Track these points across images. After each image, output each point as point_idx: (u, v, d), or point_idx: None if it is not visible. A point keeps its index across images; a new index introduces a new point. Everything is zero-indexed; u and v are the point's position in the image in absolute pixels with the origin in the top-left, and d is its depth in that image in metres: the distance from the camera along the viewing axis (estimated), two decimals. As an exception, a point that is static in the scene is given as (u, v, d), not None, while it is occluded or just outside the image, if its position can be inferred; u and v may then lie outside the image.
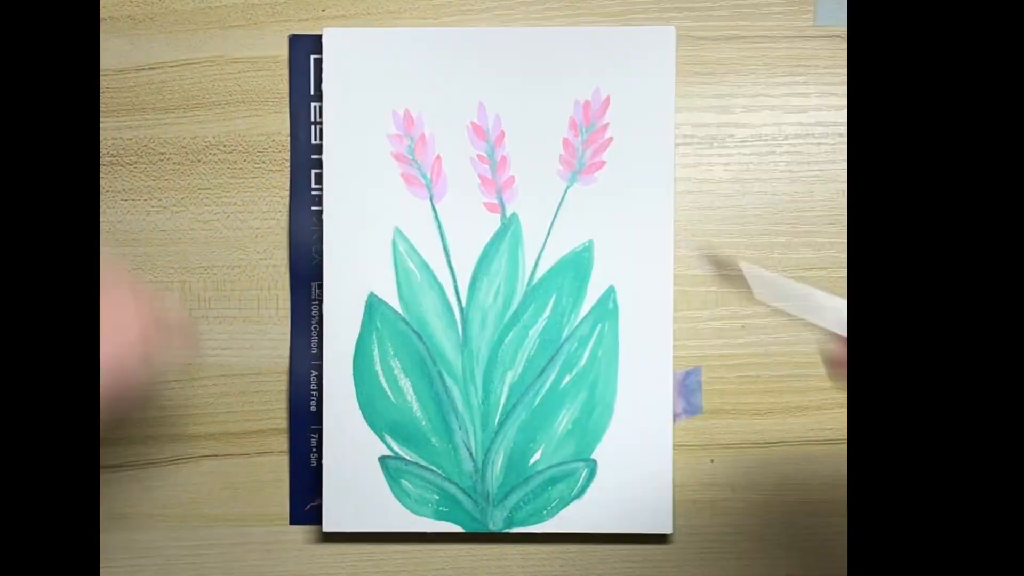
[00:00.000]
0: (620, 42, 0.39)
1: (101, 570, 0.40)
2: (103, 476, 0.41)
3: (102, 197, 0.41)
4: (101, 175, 0.41)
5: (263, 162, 0.41)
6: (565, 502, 0.39)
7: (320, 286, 0.40)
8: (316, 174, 0.40)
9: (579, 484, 0.39)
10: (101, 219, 0.41)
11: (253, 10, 0.41)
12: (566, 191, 0.39)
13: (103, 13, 0.41)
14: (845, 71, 0.40)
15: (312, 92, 0.40)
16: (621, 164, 0.39)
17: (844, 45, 0.40)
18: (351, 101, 0.39)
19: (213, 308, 0.41)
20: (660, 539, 0.40)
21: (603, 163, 0.39)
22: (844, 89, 0.40)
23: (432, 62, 0.39)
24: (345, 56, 0.39)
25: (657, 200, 0.39)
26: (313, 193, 0.40)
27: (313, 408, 0.41)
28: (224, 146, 0.41)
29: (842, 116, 0.40)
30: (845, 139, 0.40)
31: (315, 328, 0.40)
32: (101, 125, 0.41)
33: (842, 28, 0.40)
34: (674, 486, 0.40)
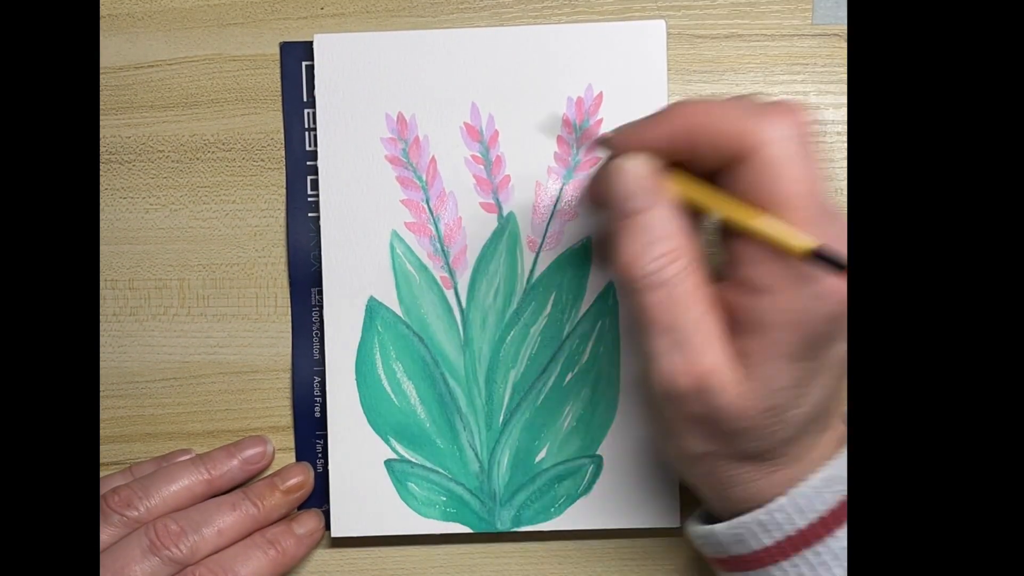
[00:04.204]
0: (610, 38, 0.39)
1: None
2: (102, 474, 0.41)
3: (100, 195, 0.41)
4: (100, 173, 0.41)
5: (262, 160, 0.41)
6: (572, 499, 0.39)
7: (320, 292, 0.40)
8: (312, 180, 0.40)
9: (585, 480, 0.39)
10: (100, 217, 0.41)
11: (251, 8, 0.40)
12: (562, 188, 0.39)
13: (102, 11, 0.40)
14: (844, 70, 0.40)
15: (305, 99, 0.40)
16: None
17: (843, 44, 0.40)
18: (344, 106, 0.39)
19: (211, 306, 0.41)
20: (667, 533, 0.40)
21: (598, 159, 0.39)
22: (843, 88, 0.40)
23: (423, 64, 0.39)
24: (337, 61, 0.39)
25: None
26: (309, 199, 0.40)
27: (318, 414, 0.41)
28: (223, 144, 0.41)
29: (841, 115, 0.40)
30: (844, 138, 0.40)
31: (316, 334, 0.40)
32: (100, 123, 0.40)
33: (841, 27, 0.40)
34: (680, 480, 0.40)
